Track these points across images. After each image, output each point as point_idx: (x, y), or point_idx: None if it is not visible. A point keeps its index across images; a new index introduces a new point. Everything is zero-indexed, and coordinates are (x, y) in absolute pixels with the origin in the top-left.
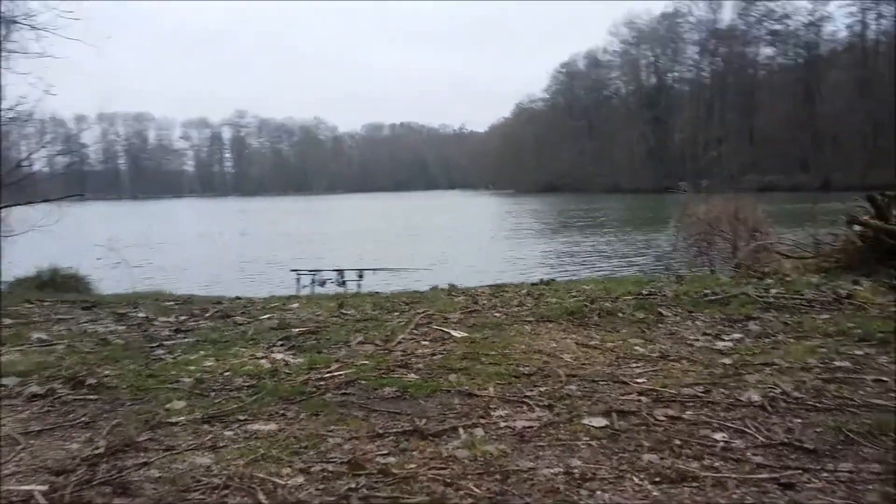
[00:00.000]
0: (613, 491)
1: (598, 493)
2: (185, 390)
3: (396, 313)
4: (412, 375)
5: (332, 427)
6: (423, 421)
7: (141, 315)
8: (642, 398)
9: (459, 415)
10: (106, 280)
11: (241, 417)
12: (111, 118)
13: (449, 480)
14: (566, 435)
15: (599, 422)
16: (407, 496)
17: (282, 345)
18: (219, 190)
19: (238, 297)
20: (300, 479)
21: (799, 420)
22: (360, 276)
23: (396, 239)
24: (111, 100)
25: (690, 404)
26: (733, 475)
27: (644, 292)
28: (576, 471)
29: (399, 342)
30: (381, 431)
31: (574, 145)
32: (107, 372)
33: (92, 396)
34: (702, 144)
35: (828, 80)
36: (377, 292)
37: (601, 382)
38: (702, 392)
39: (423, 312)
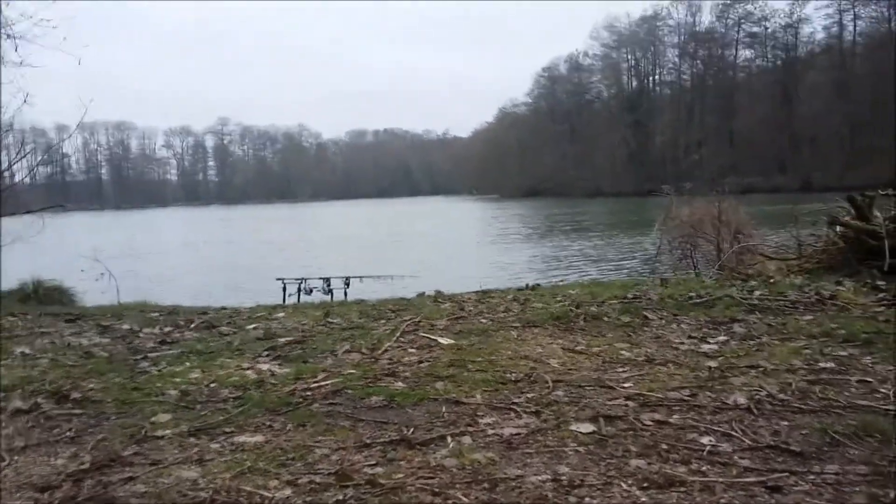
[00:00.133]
0: (602, 497)
1: (587, 499)
2: (171, 403)
3: (383, 321)
4: (399, 384)
5: (319, 438)
6: (411, 430)
7: (125, 327)
8: (629, 403)
9: (447, 423)
10: (90, 292)
11: (228, 430)
12: (92, 127)
13: (437, 490)
14: (554, 441)
15: (587, 427)
16: None
17: (268, 355)
18: (202, 199)
19: (224, 307)
20: (287, 492)
21: (785, 422)
22: (347, 284)
23: (381, 246)
24: (92, 108)
25: (677, 408)
26: (720, 479)
27: (629, 296)
28: (564, 477)
29: (386, 350)
30: (368, 441)
31: (556, 150)
32: (91, 385)
33: (77, 411)
34: (682, 147)
35: (805, 82)
36: (363, 300)
37: (588, 387)
38: (688, 396)
39: (409, 320)
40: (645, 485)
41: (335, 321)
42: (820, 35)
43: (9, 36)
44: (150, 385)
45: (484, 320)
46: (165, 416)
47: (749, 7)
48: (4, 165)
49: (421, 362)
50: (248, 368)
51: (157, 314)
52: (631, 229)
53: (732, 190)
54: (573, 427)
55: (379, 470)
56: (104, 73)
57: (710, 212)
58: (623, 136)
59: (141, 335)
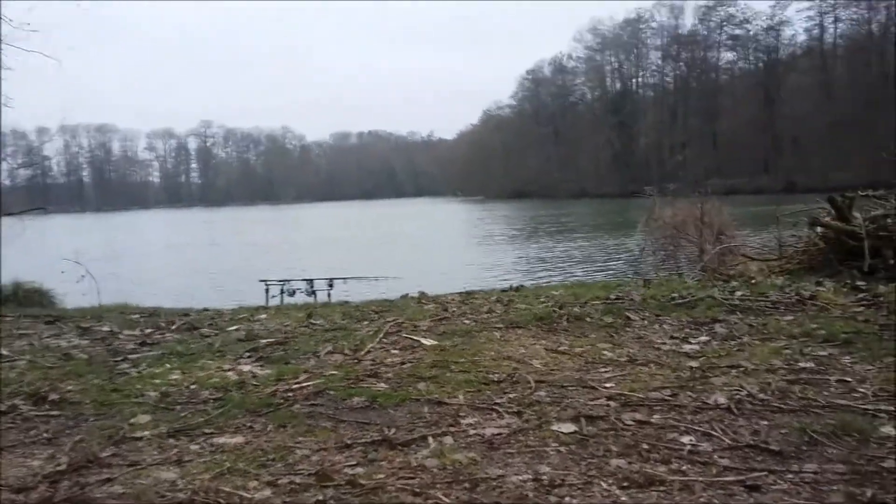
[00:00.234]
0: (582, 497)
1: (567, 499)
2: (151, 404)
3: (366, 322)
4: (381, 385)
5: (300, 439)
6: (392, 430)
7: (105, 329)
8: (611, 403)
9: (429, 423)
10: (71, 294)
11: (208, 431)
12: (74, 130)
13: (418, 490)
14: (535, 441)
15: (568, 427)
16: None
17: (249, 356)
18: (185, 201)
19: (206, 309)
20: (267, 493)
21: (765, 422)
22: (331, 286)
23: (366, 247)
24: (74, 111)
25: (658, 408)
26: (700, 478)
27: (612, 297)
28: (544, 477)
29: (368, 351)
30: (349, 442)
31: (541, 152)
32: (70, 387)
33: (55, 412)
34: (666, 149)
35: (787, 84)
36: (347, 301)
37: (570, 388)
38: (669, 396)
39: (392, 321)
40: (625, 484)
41: (318, 322)
42: (801, 37)
43: None
44: (130, 386)
45: (467, 321)
46: (145, 417)
47: (731, 10)
48: None
49: (404, 363)
50: (229, 370)
51: (137, 316)
52: (615, 230)
53: (716, 191)
54: (555, 427)
55: (360, 470)
56: (86, 77)
57: (692, 213)
58: (607, 138)
59: (121, 337)
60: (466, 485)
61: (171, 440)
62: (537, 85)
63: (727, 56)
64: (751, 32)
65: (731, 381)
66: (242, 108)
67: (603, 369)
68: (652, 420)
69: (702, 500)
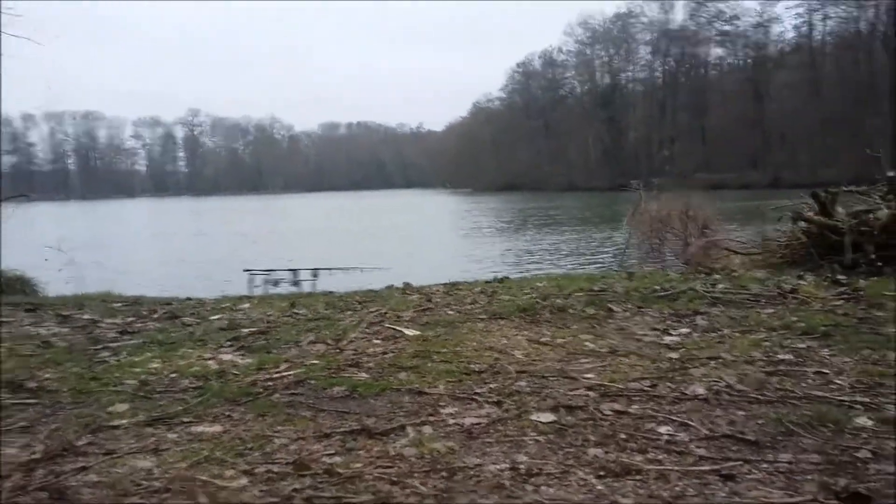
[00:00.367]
0: (558, 486)
1: (543, 487)
2: (129, 393)
3: (349, 312)
4: (362, 374)
5: (279, 428)
6: (372, 420)
7: (86, 317)
8: (590, 393)
9: (408, 413)
10: (54, 282)
11: (186, 419)
12: (59, 117)
13: (395, 479)
14: (514, 431)
15: (547, 417)
16: (352, 496)
17: (230, 345)
18: (172, 190)
19: (189, 298)
20: (244, 481)
21: (742, 412)
22: (315, 276)
23: (353, 238)
24: (59, 98)
25: (637, 398)
26: (676, 468)
27: (595, 288)
28: (522, 466)
29: (350, 341)
30: (328, 431)
31: (531, 145)
32: (48, 375)
33: (32, 400)
34: (655, 143)
35: (776, 81)
36: (331, 292)
37: (550, 378)
38: (648, 386)
39: (376, 311)
40: (602, 473)
41: (301, 312)
42: (790, 34)
43: None
44: (109, 375)
45: (451, 312)
46: (123, 405)
47: (721, 6)
48: None
49: (385, 353)
50: (209, 359)
51: (119, 304)
52: (603, 223)
53: (704, 186)
54: (534, 417)
55: (337, 459)
56: (73, 65)
57: (678, 207)
58: (597, 132)
59: (102, 325)
60: (444, 474)
61: (149, 429)
62: (527, 78)
63: (716, 52)
64: (740, 29)
65: (710, 372)
66: (231, 98)
67: (584, 360)
68: (630, 410)
69: (677, 489)
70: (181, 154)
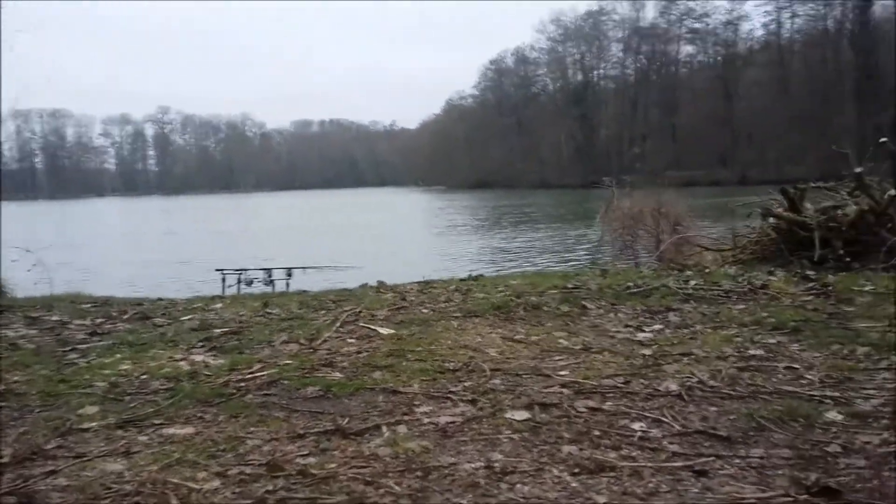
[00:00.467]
0: (533, 483)
1: (518, 485)
2: (99, 395)
3: (323, 311)
4: (336, 374)
5: (252, 429)
6: (346, 420)
7: (55, 318)
8: (564, 390)
9: (383, 412)
10: (22, 283)
11: (157, 421)
12: (26, 115)
13: (369, 479)
14: (489, 429)
15: (521, 415)
16: (326, 496)
17: (202, 346)
18: (142, 188)
19: (160, 299)
20: (216, 483)
21: (714, 408)
22: (289, 275)
23: (326, 237)
24: (27, 97)
25: (610, 395)
26: (649, 464)
27: (569, 286)
28: (497, 464)
29: (324, 341)
30: (301, 432)
31: (504, 142)
32: (16, 378)
33: None
34: (627, 141)
35: (745, 78)
36: (305, 291)
37: (525, 376)
38: (622, 383)
39: (350, 310)
40: (576, 470)
41: (274, 312)
42: (759, 32)
43: None
44: (78, 377)
45: (425, 310)
46: (92, 408)
47: (691, 3)
48: None
49: (360, 352)
50: (181, 360)
51: (89, 305)
52: (576, 220)
53: (674, 183)
54: (508, 415)
55: (311, 460)
56: (40, 62)
57: (650, 204)
58: (569, 130)
59: (71, 326)
60: (419, 473)
61: (120, 431)
62: (500, 75)
63: (687, 49)
64: (710, 26)
65: (683, 368)
66: (201, 95)
67: (558, 357)
68: (604, 407)
69: (650, 485)
70: (151, 152)
